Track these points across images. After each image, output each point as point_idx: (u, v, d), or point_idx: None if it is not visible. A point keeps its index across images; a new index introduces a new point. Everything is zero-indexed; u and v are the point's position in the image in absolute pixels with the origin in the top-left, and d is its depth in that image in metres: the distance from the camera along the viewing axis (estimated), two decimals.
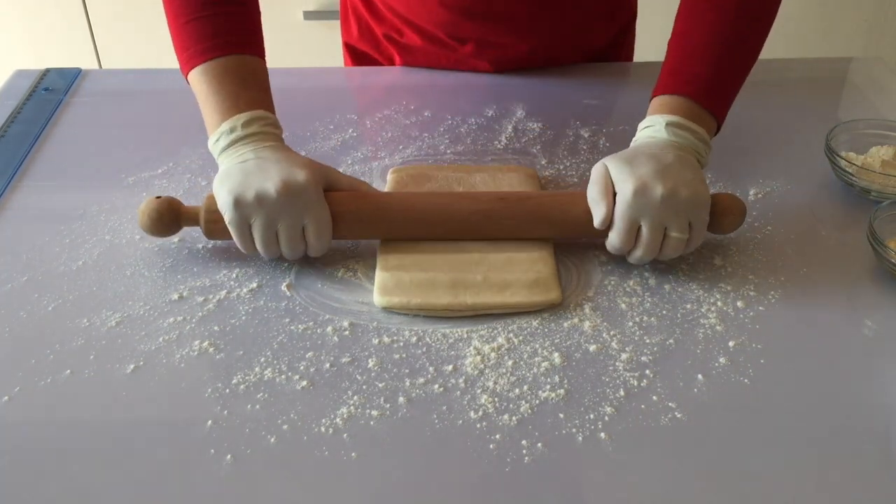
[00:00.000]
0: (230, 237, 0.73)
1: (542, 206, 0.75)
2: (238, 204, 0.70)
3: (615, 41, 1.12)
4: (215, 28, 0.77)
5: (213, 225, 0.74)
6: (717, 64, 0.78)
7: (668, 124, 0.75)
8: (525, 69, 1.07)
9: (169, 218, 0.74)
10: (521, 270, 0.72)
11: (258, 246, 0.72)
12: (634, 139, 0.78)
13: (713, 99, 0.77)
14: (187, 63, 0.78)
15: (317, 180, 0.72)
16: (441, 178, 0.83)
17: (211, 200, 0.74)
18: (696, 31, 0.79)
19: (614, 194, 0.72)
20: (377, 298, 0.70)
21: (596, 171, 0.74)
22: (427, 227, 0.75)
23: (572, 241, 0.78)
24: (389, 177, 0.85)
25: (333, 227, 0.73)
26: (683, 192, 0.70)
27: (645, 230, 0.70)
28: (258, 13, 0.82)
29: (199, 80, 0.77)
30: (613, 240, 0.72)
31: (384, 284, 0.71)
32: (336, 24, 1.21)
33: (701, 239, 0.73)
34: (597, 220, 0.72)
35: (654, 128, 0.76)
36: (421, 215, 0.74)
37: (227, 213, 0.70)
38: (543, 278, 0.71)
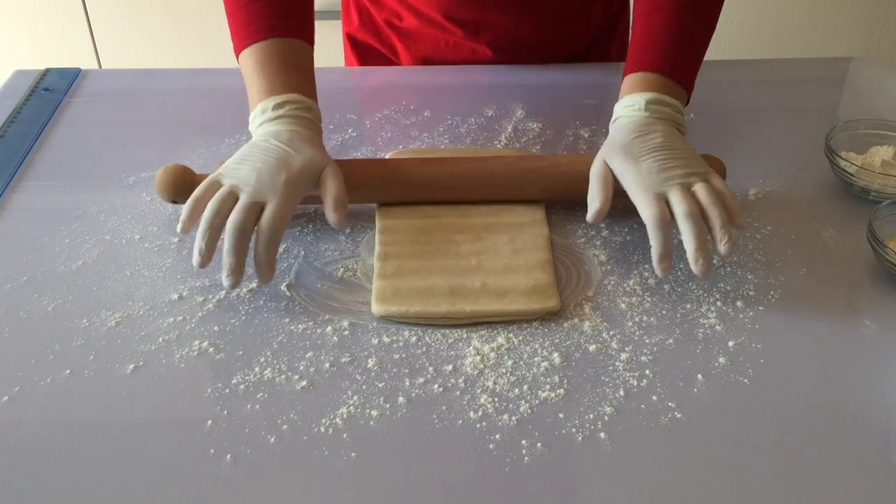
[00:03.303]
0: None
1: (544, 163, 0.81)
2: (218, 174, 0.72)
3: (612, 21, 1.12)
4: (265, 12, 0.80)
5: None
6: (682, 39, 0.82)
7: (648, 102, 0.77)
8: (524, 66, 1.07)
9: (183, 183, 0.78)
10: (519, 277, 0.71)
11: (208, 207, 0.69)
12: (614, 118, 0.80)
13: (682, 72, 0.81)
14: (237, 46, 0.81)
15: (300, 176, 0.72)
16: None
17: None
18: (660, 9, 0.82)
19: (612, 186, 0.74)
20: (375, 307, 0.69)
21: (595, 170, 0.75)
22: (424, 186, 0.79)
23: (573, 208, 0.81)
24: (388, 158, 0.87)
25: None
26: (682, 153, 0.74)
27: (674, 194, 0.70)
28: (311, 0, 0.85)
29: (245, 63, 0.80)
30: (646, 212, 0.70)
31: (382, 293, 0.70)
32: (337, 24, 1.21)
33: (726, 190, 0.72)
34: (590, 214, 0.74)
35: (633, 107, 0.78)
36: (416, 175, 0.79)
37: (204, 181, 0.72)
38: (542, 285, 0.71)
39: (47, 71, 1.06)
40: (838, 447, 0.59)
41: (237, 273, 0.68)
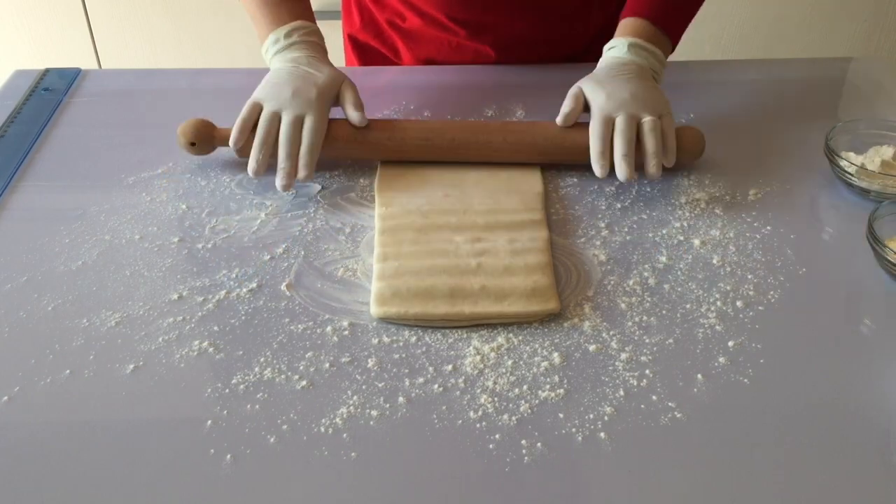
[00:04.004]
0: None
1: (533, 126, 0.87)
2: (257, 98, 0.84)
3: (612, 19, 1.12)
4: None
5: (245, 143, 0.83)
6: None
7: (631, 45, 0.88)
8: (525, 66, 1.07)
9: (206, 134, 0.86)
10: (519, 279, 0.71)
11: (260, 126, 0.81)
12: (601, 59, 0.91)
13: (670, 24, 0.90)
14: None
15: (328, 93, 0.85)
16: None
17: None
18: None
19: (582, 103, 0.85)
20: (374, 309, 0.69)
21: (571, 91, 0.86)
22: (421, 144, 0.85)
23: (565, 165, 0.85)
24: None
25: (331, 144, 0.85)
26: (646, 93, 0.84)
27: (619, 119, 0.81)
28: None
29: (247, 1, 0.91)
30: (593, 129, 0.81)
31: (381, 294, 0.70)
32: (337, 24, 1.21)
33: (672, 131, 0.83)
34: (560, 116, 0.84)
35: (617, 48, 0.89)
36: (413, 134, 0.85)
37: (245, 104, 0.84)
38: (542, 287, 0.71)
39: (47, 71, 1.06)
40: (838, 447, 0.59)
41: (291, 175, 0.81)
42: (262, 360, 0.66)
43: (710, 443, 0.59)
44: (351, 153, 0.87)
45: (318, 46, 0.90)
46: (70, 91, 1.03)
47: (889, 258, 0.72)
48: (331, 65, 0.88)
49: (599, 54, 1.13)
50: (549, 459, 0.58)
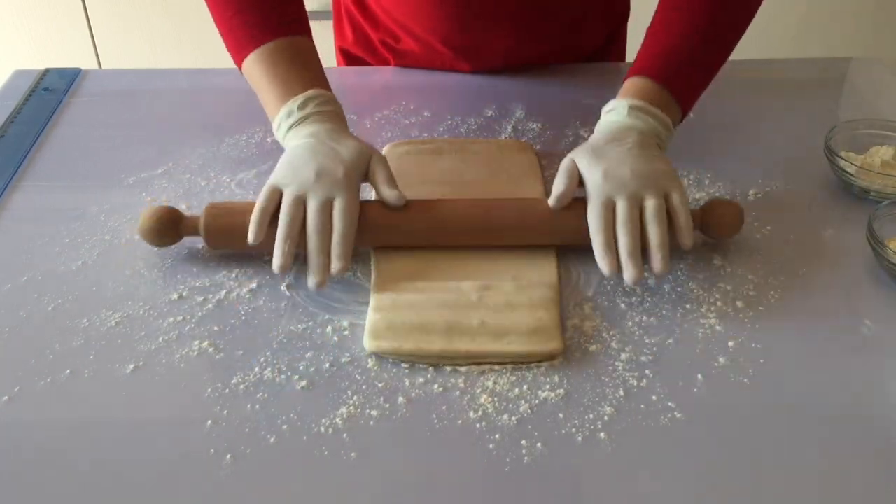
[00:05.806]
0: (231, 246, 0.74)
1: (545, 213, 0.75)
2: (275, 182, 0.72)
3: (608, 41, 1.12)
4: (258, 17, 0.79)
5: (214, 234, 0.74)
6: (690, 55, 0.80)
7: (631, 107, 0.77)
8: (524, 69, 1.07)
9: (169, 229, 0.74)
10: (521, 316, 0.67)
11: (283, 215, 0.70)
12: (598, 123, 0.80)
13: (680, 87, 0.79)
14: (237, 56, 0.80)
15: (356, 169, 0.73)
16: (437, 168, 0.85)
17: (210, 209, 0.74)
18: (676, 23, 0.81)
19: (577, 179, 0.74)
20: (367, 343, 0.66)
21: (563, 164, 0.75)
22: (430, 231, 0.75)
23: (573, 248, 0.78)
24: (385, 151, 0.88)
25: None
26: (649, 167, 0.73)
27: (620, 205, 0.70)
28: None
29: (251, 71, 0.79)
30: (592, 217, 0.71)
31: (375, 327, 0.66)
32: (328, 24, 1.20)
33: (684, 208, 0.72)
34: (552, 198, 0.73)
35: (616, 111, 0.78)
36: (424, 222, 0.75)
37: (263, 190, 0.72)
38: (545, 326, 0.66)
39: (47, 71, 1.06)
40: (838, 447, 0.59)
41: (325, 271, 0.69)
42: (262, 360, 0.66)
43: (710, 443, 0.59)
44: (381, 240, 0.76)
45: (336, 116, 0.78)
46: (70, 91, 1.03)
47: (889, 258, 0.72)
48: (354, 137, 0.76)
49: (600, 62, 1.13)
50: (549, 459, 0.58)
